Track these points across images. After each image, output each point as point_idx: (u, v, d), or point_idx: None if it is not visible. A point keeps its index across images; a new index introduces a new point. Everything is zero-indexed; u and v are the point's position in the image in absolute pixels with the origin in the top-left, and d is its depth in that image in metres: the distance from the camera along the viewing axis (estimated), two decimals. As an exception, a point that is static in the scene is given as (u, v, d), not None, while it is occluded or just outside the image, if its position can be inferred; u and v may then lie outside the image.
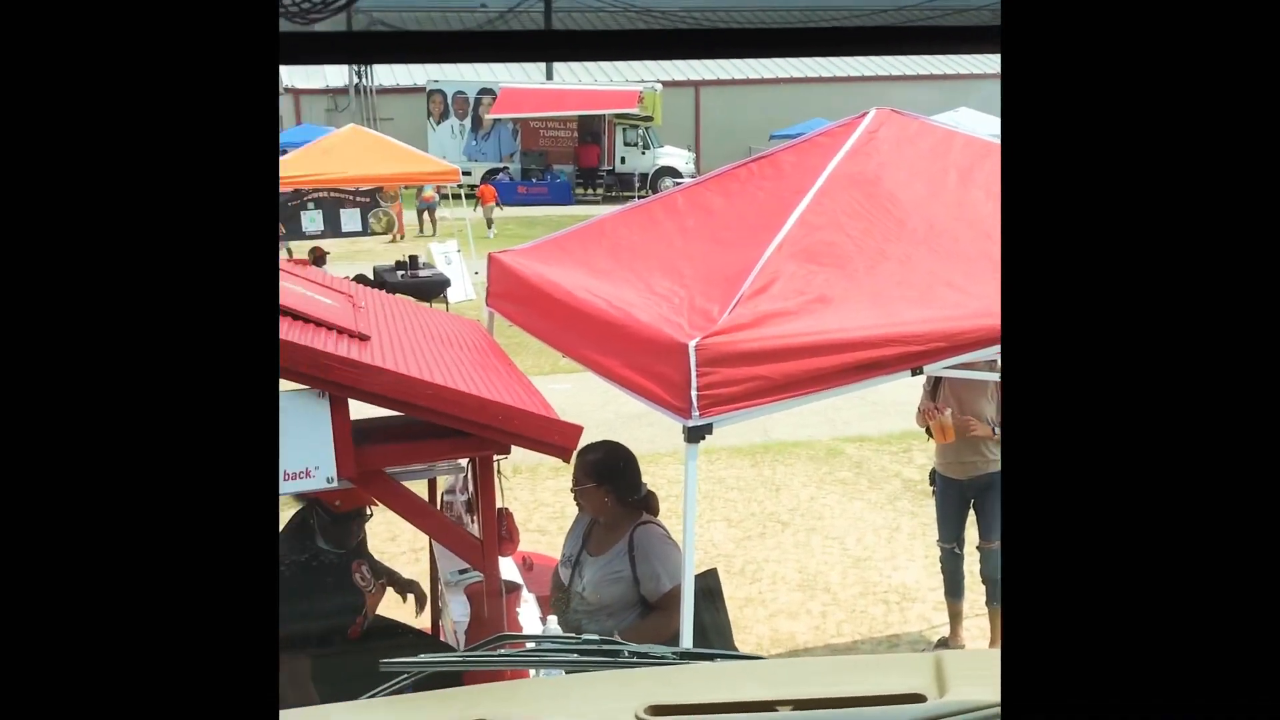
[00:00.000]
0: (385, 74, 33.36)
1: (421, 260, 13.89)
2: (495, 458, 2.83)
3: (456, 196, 18.00)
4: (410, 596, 3.98)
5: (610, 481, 3.36)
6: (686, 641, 2.74)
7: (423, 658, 1.45)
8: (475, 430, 2.58)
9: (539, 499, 7.09)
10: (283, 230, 13.67)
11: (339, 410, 2.56)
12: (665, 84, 30.43)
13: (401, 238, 18.80)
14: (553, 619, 3.14)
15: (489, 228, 21.29)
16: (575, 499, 3.48)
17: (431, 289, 12.77)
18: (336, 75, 33.77)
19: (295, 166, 13.31)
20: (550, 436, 2.63)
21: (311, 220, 13.67)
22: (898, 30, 0.80)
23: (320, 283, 3.73)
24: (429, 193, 20.43)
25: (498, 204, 22.91)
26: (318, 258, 12.02)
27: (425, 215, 21.13)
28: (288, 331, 2.62)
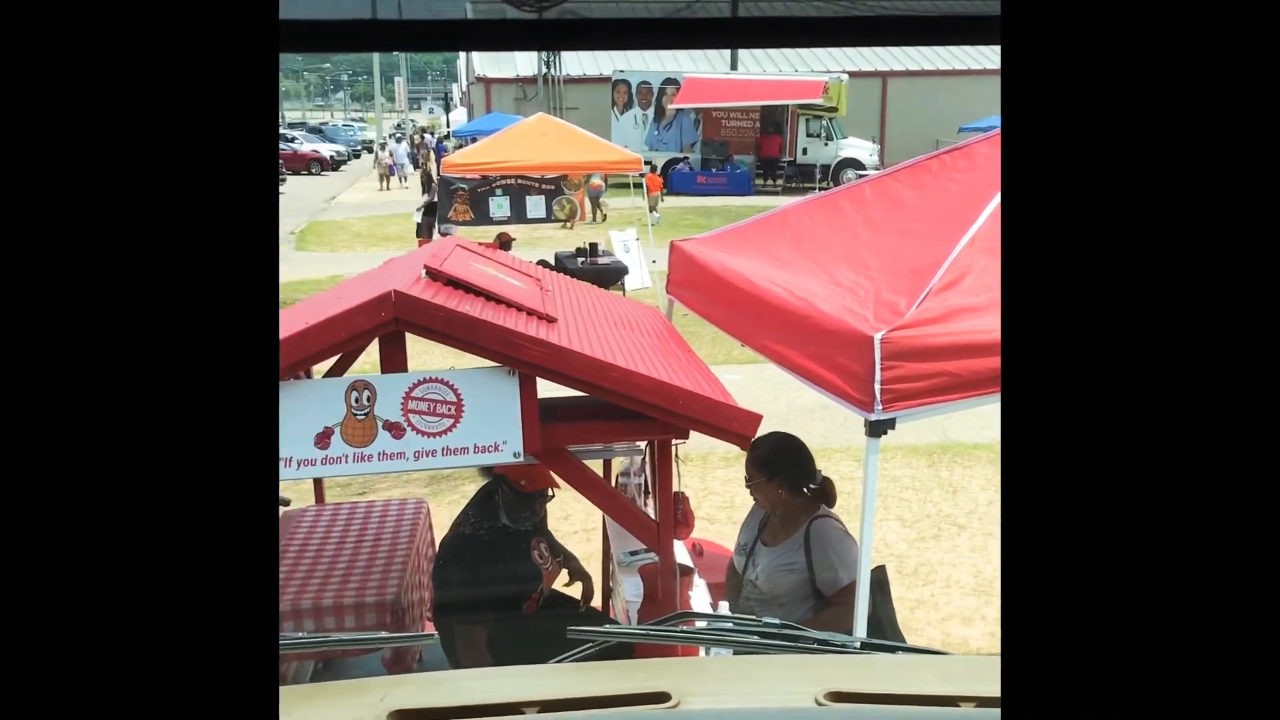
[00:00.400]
0: (573, 64, 34.05)
1: (601, 248, 14.14)
2: (674, 442, 2.87)
3: (638, 185, 18.25)
4: (580, 585, 4.07)
5: (783, 474, 3.35)
6: (860, 634, 2.72)
7: (607, 628, 1.49)
8: (657, 414, 2.62)
9: (709, 487, 7.13)
10: (471, 215, 14.16)
11: (527, 388, 2.65)
12: (851, 74, 29.90)
13: (574, 224, 19.19)
14: (724, 605, 3.17)
15: (654, 213, 21.56)
16: (751, 493, 3.48)
17: (610, 276, 12.98)
18: (526, 64, 34.69)
19: (484, 154, 13.77)
20: (730, 424, 2.64)
21: (499, 206, 14.13)
22: (895, 20, 0.79)
23: (510, 266, 3.86)
24: (597, 181, 20.82)
25: (662, 194, 23.21)
26: (504, 242, 12.40)
27: (593, 203, 21.55)
28: (481, 311, 2.72)
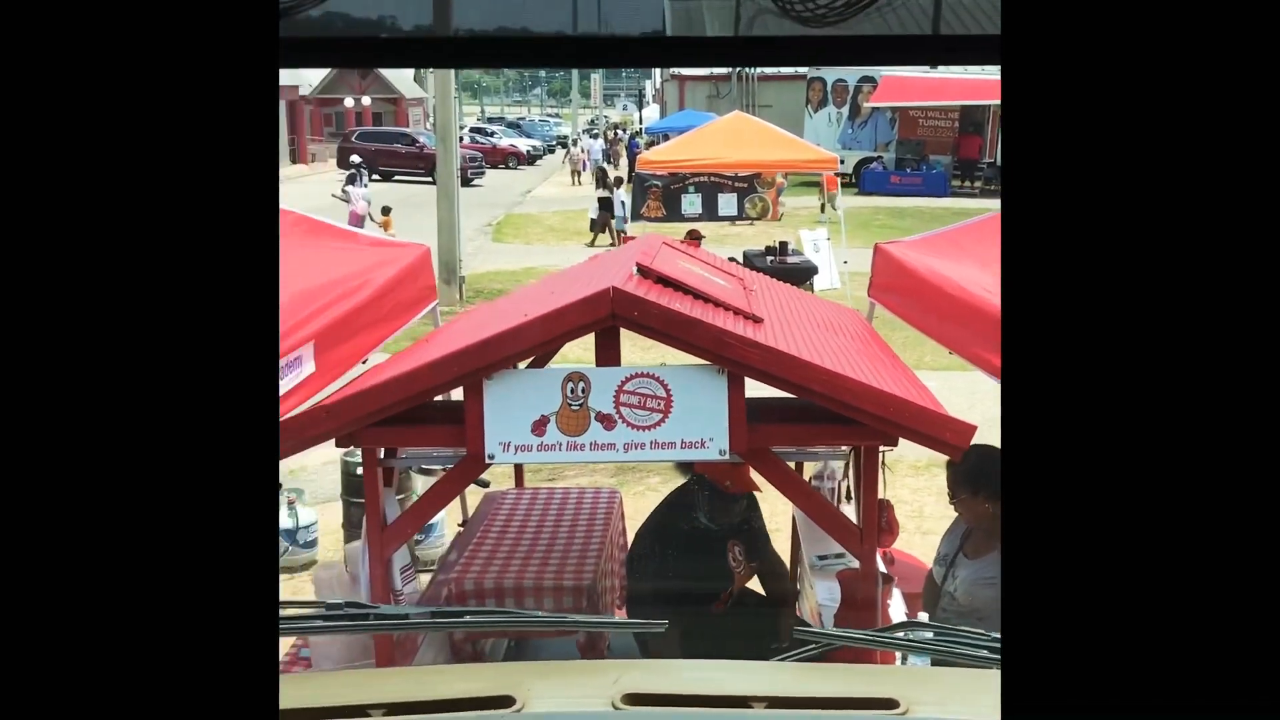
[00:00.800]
0: (766, 61, 33.89)
1: (790, 246, 14.05)
2: (881, 449, 2.83)
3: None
4: (767, 585, 4.04)
5: (988, 488, 3.26)
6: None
7: (835, 631, 1.51)
8: (868, 419, 2.59)
9: (897, 495, 6.97)
10: (663, 211, 14.34)
11: (735, 387, 2.68)
12: (1058, 73, 28.62)
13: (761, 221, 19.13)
14: (922, 616, 3.12)
15: (830, 210, 21.23)
16: (955, 509, 3.40)
17: (799, 275, 12.88)
18: (720, 62, 34.76)
19: (679, 151, 13.90)
20: (943, 433, 2.59)
21: (691, 203, 14.31)
22: (899, 39, 0.80)
23: (713, 264, 3.90)
24: (780, 179, 20.70)
25: (836, 194, 22.92)
26: (696, 239, 12.52)
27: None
28: (690, 309, 2.77)
